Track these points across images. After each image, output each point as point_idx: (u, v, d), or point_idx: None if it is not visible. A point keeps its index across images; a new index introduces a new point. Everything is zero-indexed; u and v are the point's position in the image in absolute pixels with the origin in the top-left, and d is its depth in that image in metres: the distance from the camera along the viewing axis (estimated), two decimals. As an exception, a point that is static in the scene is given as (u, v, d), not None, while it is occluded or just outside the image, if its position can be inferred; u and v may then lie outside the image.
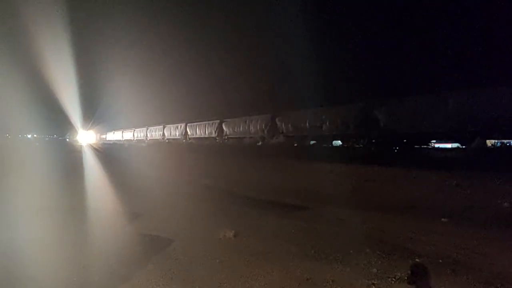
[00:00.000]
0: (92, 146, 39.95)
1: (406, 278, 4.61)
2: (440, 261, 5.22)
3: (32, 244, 6.11)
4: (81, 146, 37.68)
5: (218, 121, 29.88)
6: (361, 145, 17.03)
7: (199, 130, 32.74)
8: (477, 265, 5.08)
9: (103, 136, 60.58)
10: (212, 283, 4.48)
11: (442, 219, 7.85)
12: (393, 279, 4.55)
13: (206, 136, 31.57)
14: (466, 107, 11.77)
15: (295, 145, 21.04)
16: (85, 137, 55.51)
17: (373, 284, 4.42)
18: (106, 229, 7.24)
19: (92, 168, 19.31)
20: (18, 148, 30.95)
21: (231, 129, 28.51)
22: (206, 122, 32.09)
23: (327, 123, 18.52)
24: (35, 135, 65.38)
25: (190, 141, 33.69)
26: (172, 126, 39.21)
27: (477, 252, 5.68)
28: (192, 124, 34.33)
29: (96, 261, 5.35)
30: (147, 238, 6.63)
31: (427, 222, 7.71)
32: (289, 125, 21.86)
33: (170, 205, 9.78)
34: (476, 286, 4.40)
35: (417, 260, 5.24)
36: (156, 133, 43.34)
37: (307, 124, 20.38)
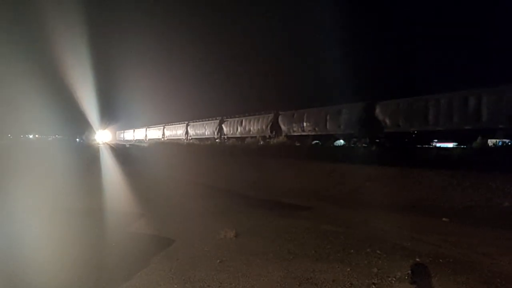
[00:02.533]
0: (112, 147, 38.19)
1: (406, 277, 4.61)
2: (441, 260, 5.22)
3: (32, 243, 6.10)
4: (99, 147, 36.10)
5: (218, 120, 29.69)
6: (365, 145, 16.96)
7: (201, 130, 32.68)
8: (478, 265, 5.08)
9: (119, 136, 58.64)
10: (213, 283, 4.49)
11: (443, 219, 7.85)
12: (394, 278, 4.55)
13: (206, 136, 31.66)
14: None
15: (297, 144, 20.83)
16: (103, 137, 54.05)
17: (374, 284, 4.42)
18: (106, 229, 7.27)
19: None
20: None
21: (231, 128, 28.26)
22: (206, 121, 32.08)
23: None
24: (36, 135, 64.75)
25: (191, 140, 33.59)
26: (172, 126, 39.28)
27: (477, 252, 5.68)
28: (194, 123, 34.36)
29: (97, 261, 5.37)
30: (148, 237, 6.65)
31: (428, 221, 7.71)
32: (292, 124, 21.76)
33: (171, 205, 9.81)
34: (476, 286, 4.39)
35: (417, 259, 5.25)
36: (156, 132, 43.49)
37: (308, 124, 20.50)
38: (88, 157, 24.45)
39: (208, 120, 31.87)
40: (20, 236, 6.46)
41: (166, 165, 20.20)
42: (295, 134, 21.56)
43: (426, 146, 15.35)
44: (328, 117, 19.34)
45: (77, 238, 6.49)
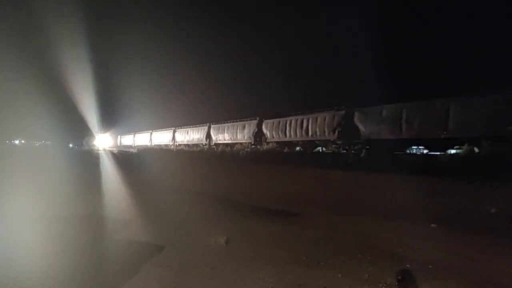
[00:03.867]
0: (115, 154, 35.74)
1: (396, 283, 4.64)
2: (430, 266, 5.26)
3: (16, 253, 5.93)
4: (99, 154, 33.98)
5: (207, 126, 29.17)
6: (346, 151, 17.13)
7: (188, 136, 32.24)
8: (467, 270, 5.13)
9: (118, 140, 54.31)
10: (204, 290, 4.46)
11: (432, 225, 7.93)
12: (385, 284, 4.57)
13: (194, 142, 31.12)
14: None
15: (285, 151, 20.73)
16: (103, 142, 50.79)
17: (365, 290, 4.44)
18: (94, 236, 7.14)
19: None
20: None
21: (219, 135, 27.68)
22: (194, 127, 31.60)
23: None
24: (22, 141, 63.12)
25: (180, 147, 33.23)
26: (159, 132, 38.99)
27: (466, 258, 5.74)
28: (181, 129, 34.12)
29: (86, 269, 5.28)
30: (138, 245, 6.57)
31: (417, 227, 7.78)
32: (277, 131, 21.61)
33: (161, 211, 9.71)
34: (465, 291, 4.45)
35: (407, 265, 5.28)
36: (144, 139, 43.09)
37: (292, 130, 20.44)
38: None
39: (196, 126, 31.54)
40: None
41: (155, 171, 20.01)
42: (280, 140, 21.36)
43: (410, 153, 15.72)
44: (309, 124, 19.34)
45: (64, 246, 6.37)
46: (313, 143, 20.27)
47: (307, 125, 19.89)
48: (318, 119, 19.39)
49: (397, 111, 15.23)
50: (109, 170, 20.68)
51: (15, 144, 57.17)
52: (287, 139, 21.10)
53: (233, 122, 26.61)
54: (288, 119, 21.32)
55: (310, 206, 10.31)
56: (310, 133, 19.88)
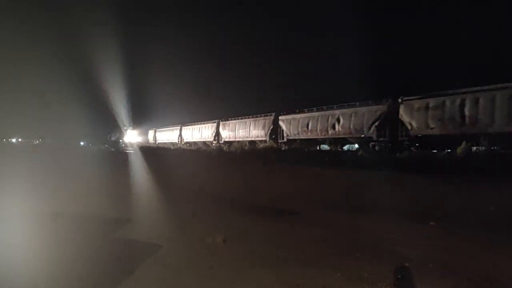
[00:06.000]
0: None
1: (396, 282, 4.61)
2: (430, 265, 5.23)
3: (10, 251, 5.88)
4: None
5: (216, 123, 27.78)
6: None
7: (198, 133, 30.91)
8: (466, 269, 5.11)
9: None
10: (202, 290, 4.41)
11: (430, 223, 7.91)
12: (384, 283, 4.54)
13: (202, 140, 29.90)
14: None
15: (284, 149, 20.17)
16: (132, 138, 45.40)
17: (364, 289, 4.41)
18: (91, 235, 7.07)
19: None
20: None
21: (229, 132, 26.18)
22: (202, 124, 30.34)
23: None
24: (19, 139, 62.28)
25: (187, 145, 32.18)
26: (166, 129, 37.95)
27: (465, 256, 5.73)
28: (188, 126, 33.06)
29: (81, 269, 5.22)
30: (135, 244, 6.52)
31: (416, 225, 7.76)
32: (296, 128, 20.05)
33: (158, 210, 9.66)
34: (465, 290, 4.42)
35: (406, 264, 5.25)
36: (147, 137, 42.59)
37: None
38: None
39: (204, 123, 30.26)
40: None
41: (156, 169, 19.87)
42: (301, 137, 19.81)
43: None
44: (340, 119, 17.58)
45: (59, 245, 6.31)
46: (344, 141, 18.39)
47: (337, 121, 18.06)
48: (352, 114, 17.59)
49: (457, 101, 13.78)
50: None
51: (13, 143, 56.27)
52: (310, 136, 19.38)
53: (244, 118, 25.03)
54: (311, 114, 19.45)
55: (311, 204, 10.27)
56: (340, 130, 18.09)
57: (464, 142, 12.68)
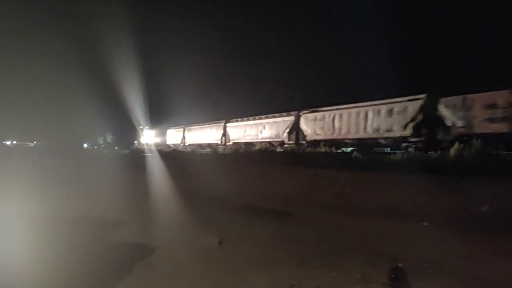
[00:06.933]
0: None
1: (389, 282, 4.65)
2: (424, 265, 5.28)
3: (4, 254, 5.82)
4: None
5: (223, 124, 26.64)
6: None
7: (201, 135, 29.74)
8: (458, 269, 5.16)
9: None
10: (197, 292, 4.42)
11: (424, 223, 7.97)
12: (378, 283, 4.57)
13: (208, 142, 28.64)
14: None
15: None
16: (150, 139, 39.75)
17: (358, 289, 4.44)
18: (85, 238, 7.04)
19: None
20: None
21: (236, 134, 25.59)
22: (208, 125, 29.15)
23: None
24: (14, 142, 60.87)
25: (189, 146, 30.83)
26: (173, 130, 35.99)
27: (458, 256, 5.77)
28: (192, 127, 31.83)
29: (75, 272, 5.19)
30: (129, 246, 6.50)
31: (409, 226, 7.81)
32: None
33: (152, 212, 9.64)
34: (457, 289, 4.47)
35: (400, 264, 5.30)
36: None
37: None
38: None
39: (210, 124, 29.02)
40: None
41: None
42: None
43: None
44: (265, 127, 19.32)
45: (53, 248, 6.27)
46: (374, 142, 16.93)
47: (263, 128, 21.42)
48: (273, 123, 20.82)
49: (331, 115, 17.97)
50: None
51: (7, 145, 54.66)
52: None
53: (257, 118, 24.04)
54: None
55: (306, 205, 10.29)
56: (265, 135, 21.42)
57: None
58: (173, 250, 6.20)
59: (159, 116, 41.08)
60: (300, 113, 20.54)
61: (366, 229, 7.67)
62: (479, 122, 12.98)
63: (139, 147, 40.05)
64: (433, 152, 12.51)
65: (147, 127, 39.96)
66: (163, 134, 38.25)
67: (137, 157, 29.01)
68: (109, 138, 47.28)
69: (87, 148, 48.52)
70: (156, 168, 20.30)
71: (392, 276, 4.83)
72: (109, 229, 7.66)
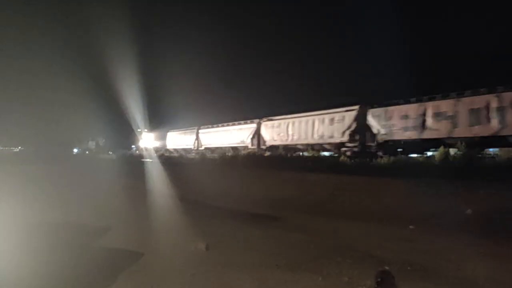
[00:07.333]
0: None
1: (376, 285, 4.68)
2: (409, 268, 5.34)
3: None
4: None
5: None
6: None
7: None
8: (444, 271, 5.23)
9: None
10: (184, 297, 4.39)
11: (410, 226, 8.07)
12: (364, 286, 4.61)
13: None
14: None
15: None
16: (149, 142, 36.64)
17: (345, 293, 4.46)
18: (71, 244, 6.93)
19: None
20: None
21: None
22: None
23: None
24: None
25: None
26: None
27: (443, 258, 5.85)
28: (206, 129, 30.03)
29: (60, 279, 5.11)
30: (116, 252, 6.42)
31: (395, 229, 7.90)
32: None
33: (140, 217, 9.55)
34: (442, 292, 4.52)
35: (386, 267, 5.34)
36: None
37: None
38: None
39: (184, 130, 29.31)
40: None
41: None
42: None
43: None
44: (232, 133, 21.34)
45: (39, 254, 6.15)
46: (320, 147, 18.53)
47: (231, 134, 24.08)
48: (239, 129, 23.27)
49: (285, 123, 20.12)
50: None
51: None
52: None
53: (225, 125, 25.27)
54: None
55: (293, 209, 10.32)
56: (232, 140, 23.50)
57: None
58: (160, 256, 6.14)
59: (157, 118, 39.07)
60: (261, 121, 22.58)
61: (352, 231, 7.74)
62: (396, 130, 15.27)
63: (136, 151, 38.23)
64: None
65: (145, 129, 37.43)
66: (163, 137, 35.63)
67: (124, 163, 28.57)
68: (101, 142, 45.25)
69: (77, 153, 46.10)
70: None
71: (379, 279, 4.84)
72: (95, 235, 7.56)
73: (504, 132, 12.35)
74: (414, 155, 14.85)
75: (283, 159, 17.93)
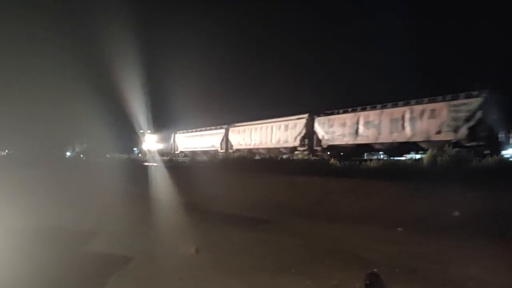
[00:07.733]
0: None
1: (365, 288, 4.69)
2: (397, 270, 5.36)
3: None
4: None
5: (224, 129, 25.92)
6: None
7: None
8: (432, 273, 5.28)
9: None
10: (172, 302, 4.35)
11: (398, 229, 8.12)
12: (353, 289, 4.62)
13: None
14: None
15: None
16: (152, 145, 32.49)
17: (334, 295, 4.47)
18: (59, 248, 6.82)
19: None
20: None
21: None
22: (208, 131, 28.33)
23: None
24: None
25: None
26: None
27: (431, 261, 5.91)
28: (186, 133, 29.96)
29: (50, 283, 5.02)
30: (104, 257, 6.34)
31: (384, 231, 7.95)
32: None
33: (128, 222, 9.44)
34: (430, 293, 4.56)
35: (375, 270, 5.36)
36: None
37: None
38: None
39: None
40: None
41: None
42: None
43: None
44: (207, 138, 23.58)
45: (27, 259, 6.03)
46: (278, 151, 20.47)
47: (207, 138, 25.05)
48: (211, 134, 24.26)
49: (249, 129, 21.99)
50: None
51: None
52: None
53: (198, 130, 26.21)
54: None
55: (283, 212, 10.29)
56: (209, 144, 24.62)
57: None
58: (149, 260, 6.08)
59: (161, 119, 35.15)
60: (229, 127, 24.39)
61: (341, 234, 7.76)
62: (337, 136, 17.61)
63: (139, 154, 36.29)
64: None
65: (148, 131, 33.77)
66: (168, 139, 32.91)
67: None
68: (96, 144, 43.50)
69: (70, 156, 45.27)
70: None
71: (368, 282, 4.85)
72: (84, 239, 7.46)
73: (415, 138, 14.93)
74: (397, 158, 16.62)
75: (273, 162, 17.87)
